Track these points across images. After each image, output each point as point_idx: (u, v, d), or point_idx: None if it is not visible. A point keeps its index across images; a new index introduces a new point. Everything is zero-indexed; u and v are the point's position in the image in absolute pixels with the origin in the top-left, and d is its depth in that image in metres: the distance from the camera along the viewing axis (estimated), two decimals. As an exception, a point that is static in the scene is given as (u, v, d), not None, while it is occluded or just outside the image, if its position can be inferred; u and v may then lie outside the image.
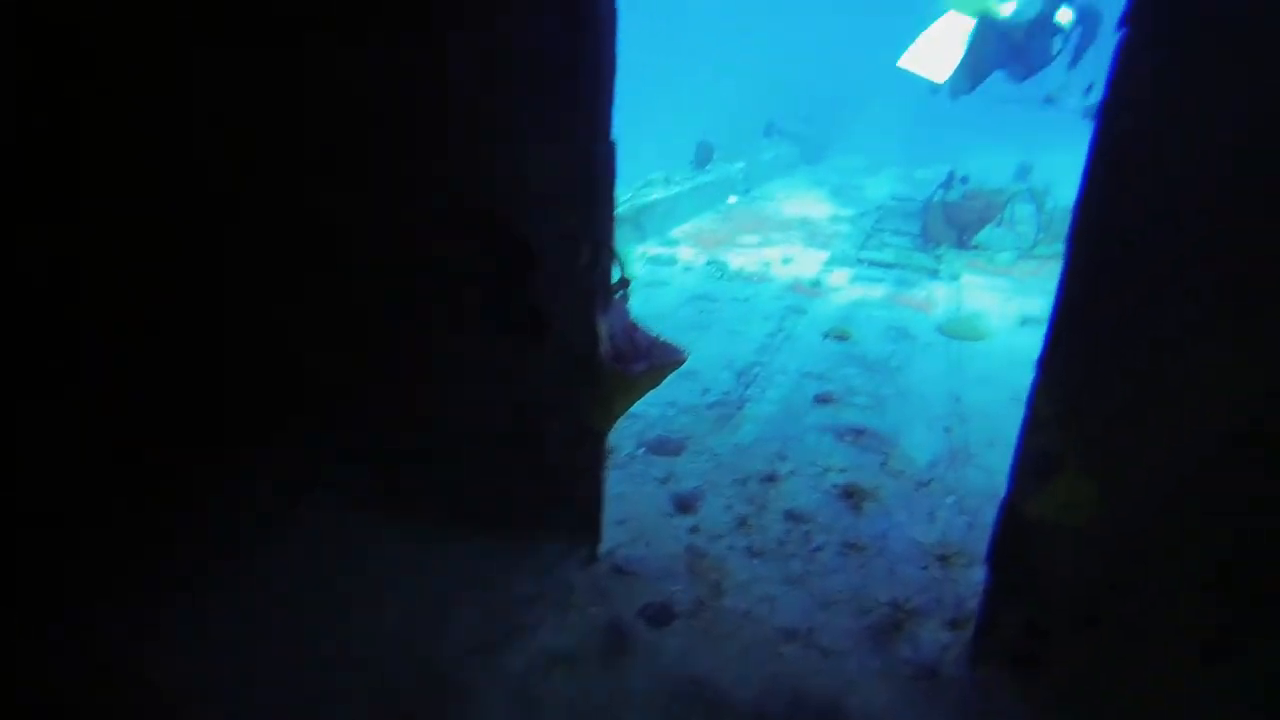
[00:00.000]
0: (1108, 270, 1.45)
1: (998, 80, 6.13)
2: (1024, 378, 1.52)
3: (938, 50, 5.67)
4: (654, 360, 2.00)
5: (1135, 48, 1.32)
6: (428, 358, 2.07)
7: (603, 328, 1.92)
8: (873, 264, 5.63)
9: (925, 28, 5.85)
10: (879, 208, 7.71)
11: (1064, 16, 5.76)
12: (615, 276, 2.00)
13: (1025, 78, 6.12)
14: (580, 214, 1.83)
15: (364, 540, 2.14)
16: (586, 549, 2.31)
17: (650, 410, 3.20)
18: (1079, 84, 6.13)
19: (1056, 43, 5.84)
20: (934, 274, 5.41)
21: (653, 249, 5.68)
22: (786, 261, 5.53)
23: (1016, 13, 5.56)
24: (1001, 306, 4.77)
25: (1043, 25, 5.74)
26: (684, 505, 2.61)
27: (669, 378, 3.55)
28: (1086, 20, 5.80)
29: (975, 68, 5.82)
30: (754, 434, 3.03)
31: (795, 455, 2.88)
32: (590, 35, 1.68)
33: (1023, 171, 10.40)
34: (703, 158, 7.36)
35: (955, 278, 5.29)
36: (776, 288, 4.88)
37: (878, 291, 4.93)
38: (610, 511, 2.34)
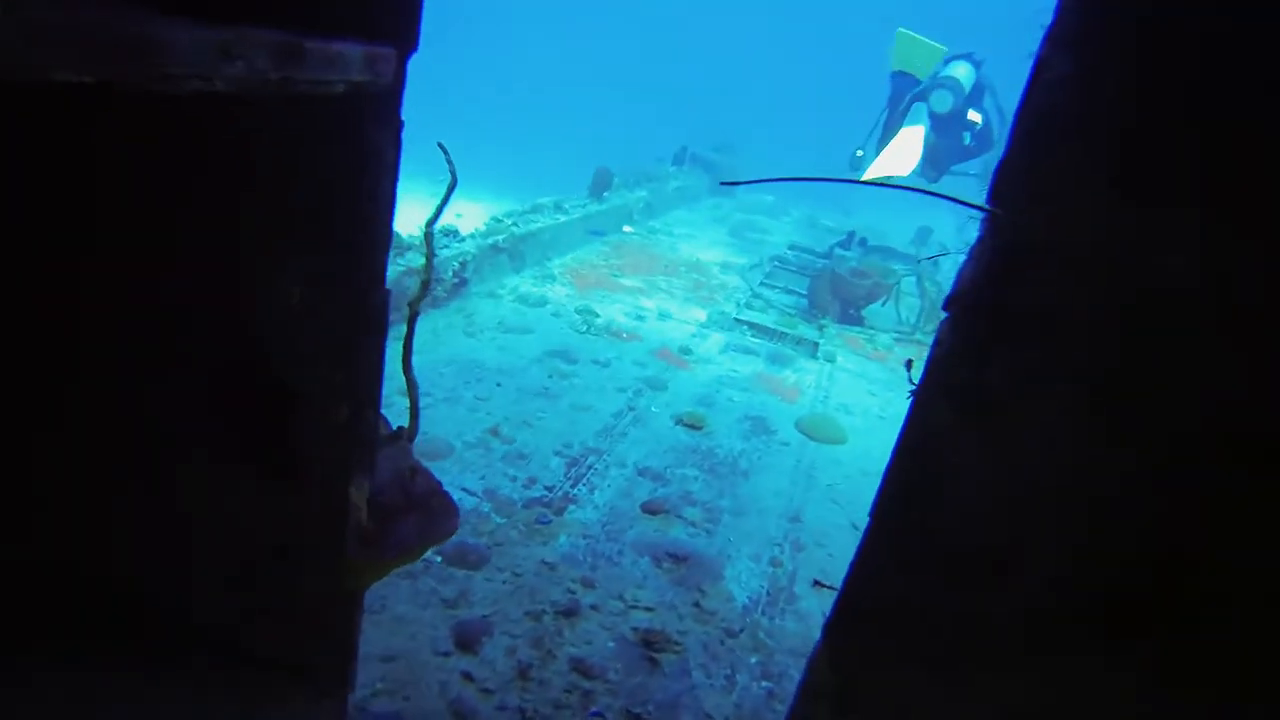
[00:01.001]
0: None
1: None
2: (869, 496, 1.32)
3: (901, 157, 6.11)
4: (416, 533, 1.66)
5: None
6: (173, 487, 1.67)
7: (357, 493, 1.57)
8: (751, 327, 5.44)
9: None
10: (773, 259, 7.58)
11: (974, 116, 6.27)
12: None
13: (936, 180, 6.58)
14: (343, 369, 1.48)
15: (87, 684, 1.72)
16: (334, 702, 1.95)
17: (465, 501, 2.85)
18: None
19: (966, 136, 6.26)
20: (812, 350, 5.26)
21: (526, 284, 5.31)
22: (662, 317, 5.27)
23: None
24: (867, 400, 4.65)
25: (956, 120, 6.17)
26: (465, 641, 2.27)
27: (497, 452, 3.25)
28: (982, 140, 6.35)
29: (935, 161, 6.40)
30: (566, 547, 2.72)
31: (604, 582, 2.58)
32: (368, 180, 1.33)
33: (922, 235, 10.58)
34: (599, 185, 7.02)
35: (831, 358, 5.15)
36: (643, 351, 4.59)
37: (747, 368, 4.72)
38: (379, 642, 2.03)
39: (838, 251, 8.11)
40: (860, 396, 4.69)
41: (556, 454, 3.30)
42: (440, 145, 2.40)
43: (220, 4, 0.87)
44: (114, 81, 0.73)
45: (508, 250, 5.33)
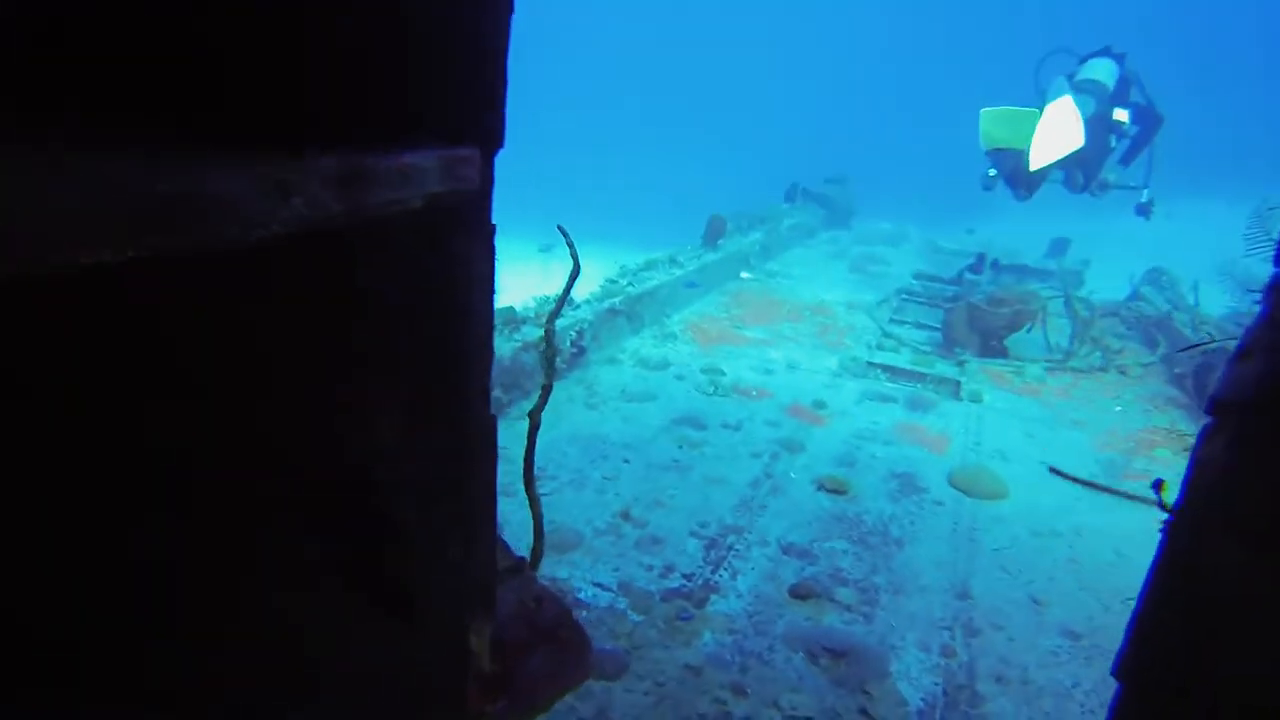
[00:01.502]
0: None
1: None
2: (1048, 562, 1.08)
3: (1061, 131, 5.44)
4: (546, 671, 1.54)
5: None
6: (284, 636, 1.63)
7: (477, 638, 1.47)
8: (885, 370, 5.12)
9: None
10: (899, 292, 7.20)
11: (1120, 115, 5.73)
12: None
13: (1084, 188, 6.10)
14: (450, 502, 1.40)
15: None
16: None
17: (599, 597, 2.74)
18: (1130, 179, 6.14)
19: (1111, 139, 5.78)
20: (954, 390, 4.88)
21: (647, 345, 5.23)
22: (791, 368, 5.04)
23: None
24: (1025, 444, 4.24)
25: (1100, 124, 5.65)
26: (613, 763, 2.13)
27: (630, 538, 3.12)
28: (1145, 120, 5.78)
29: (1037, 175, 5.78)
30: (712, 646, 2.54)
31: (756, 686, 2.38)
32: (459, 296, 1.25)
33: (1057, 248, 9.82)
34: (713, 234, 6.92)
35: (977, 398, 4.75)
36: (774, 409, 4.38)
37: (886, 418, 4.41)
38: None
39: (968, 277, 7.63)
40: (1016, 440, 4.28)
41: (693, 535, 3.14)
42: (560, 229, 2.34)
43: (273, 122, 0.79)
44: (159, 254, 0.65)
45: (625, 312, 5.29)
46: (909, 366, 5.20)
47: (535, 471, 3.62)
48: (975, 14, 32.19)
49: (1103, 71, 5.80)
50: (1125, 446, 4.31)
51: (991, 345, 5.56)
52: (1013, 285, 6.22)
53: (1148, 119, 5.95)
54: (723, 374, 4.78)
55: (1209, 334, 5.67)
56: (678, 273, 6.09)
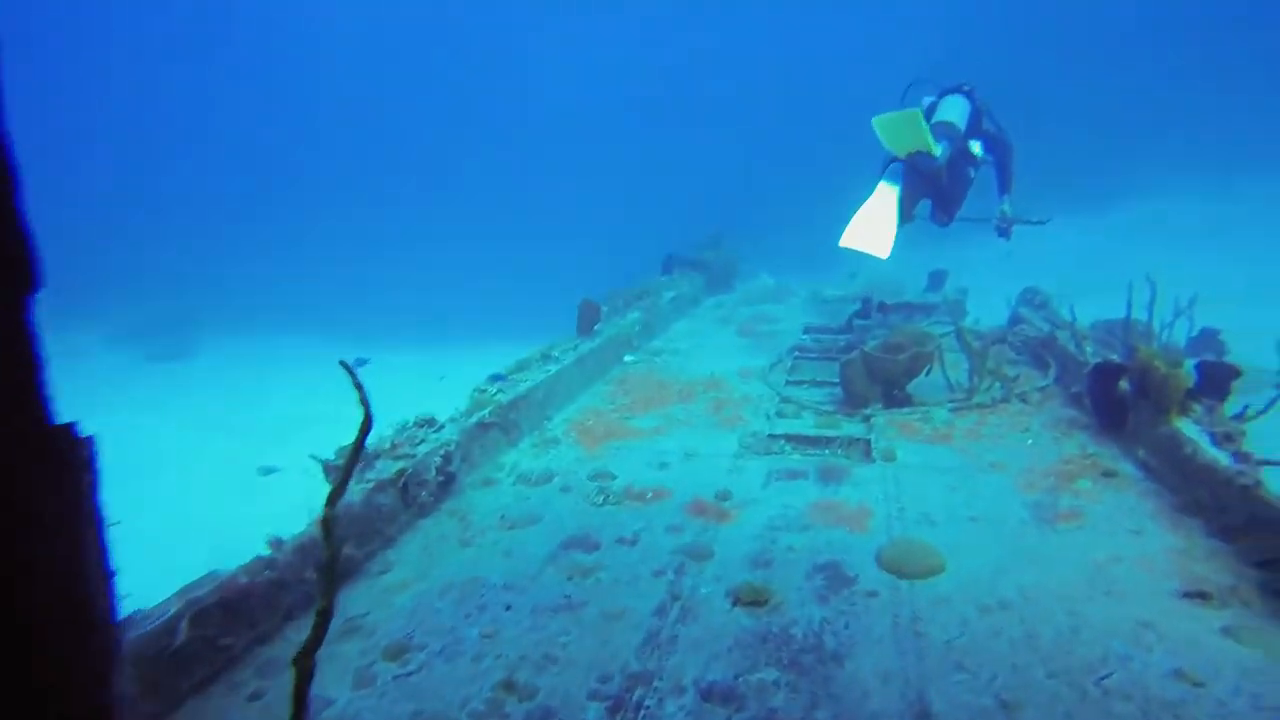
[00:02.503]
0: None
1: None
2: (1005, 646, 0.69)
3: (875, 226, 5.64)
4: None
5: None
6: None
7: None
8: (789, 440, 4.73)
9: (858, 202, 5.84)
10: (791, 350, 6.93)
11: (974, 148, 5.89)
12: None
13: (948, 223, 6.14)
14: None
15: None
16: None
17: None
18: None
19: (970, 172, 5.85)
20: (864, 452, 4.53)
21: (526, 457, 4.67)
22: (688, 457, 4.57)
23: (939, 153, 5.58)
24: (949, 500, 3.87)
25: (960, 158, 5.78)
26: None
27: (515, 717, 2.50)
28: (996, 149, 5.91)
29: (906, 204, 5.87)
30: None
31: None
32: None
33: (936, 281, 9.91)
34: (587, 321, 6.50)
35: (890, 456, 4.40)
36: (674, 509, 3.88)
37: (798, 498, 3.97)
38: None
39: (858, 323, 7.48)
40: (938, 497, 3.92)
41: (593, 697, 2.54)
42: (345, 366, 1.80)
43: None
44: None
45: (498, 424, 4.72)
46: (814, 432, 4.83)
47: (400, 639, 2.98)
48: (826, 57, 34.16)
49: (954, 111, 5.84)
50: (1046, 484, 4.01)
51: (894, 395, 5.28)
52: (903, 326, 6.03)
53: (999, 147, 6.04)
54: (613, 478, 4.26)
55: (1090, 350, 5.60)
56: (553, 369, 5.59)
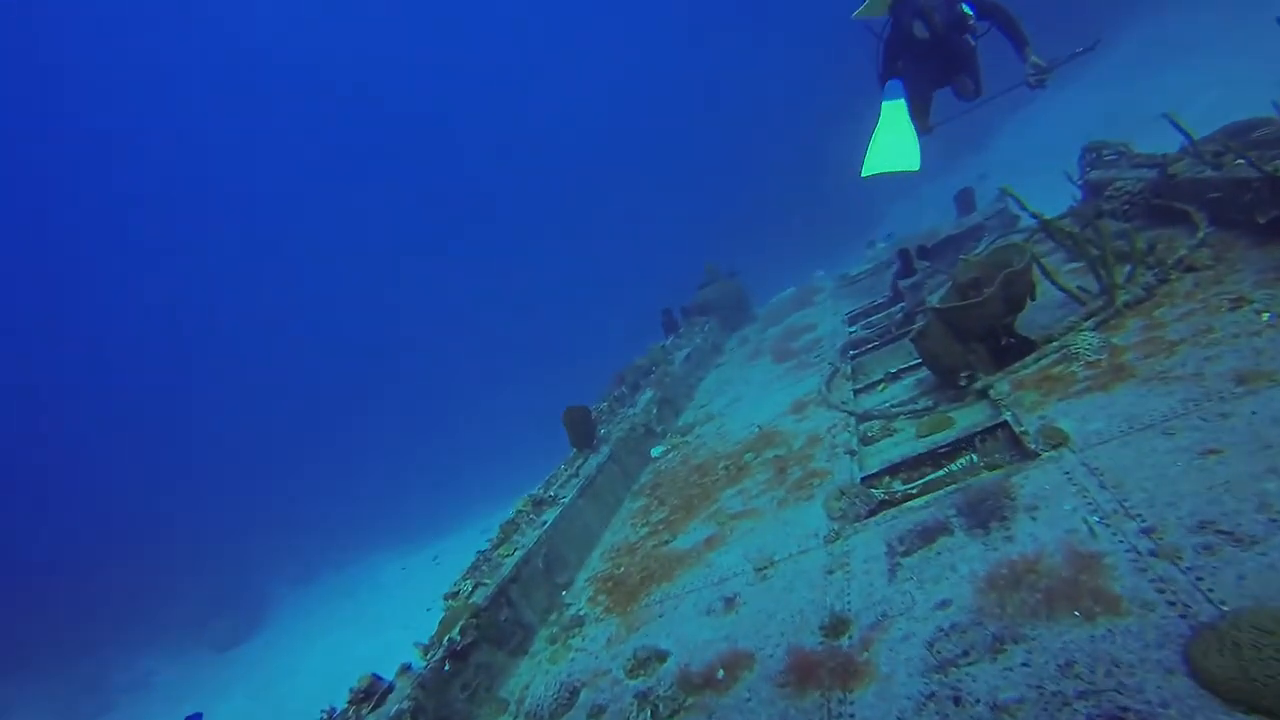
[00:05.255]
0: None
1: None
2: None
3: (894, 143, 4.98)
4: None
5: None
6: None
7: None
8: (896, 473, 3.07)
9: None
10: (846, 352, 5.27)
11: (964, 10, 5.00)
12: None
13: (975, 92, 5.22)
14: None
15: None
16: None
17: None
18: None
19: (969, 40, 5.02)
20: (1009, 445, 2.84)
21: (541, 668, 3.08)
22: (763, 574, 2.91)
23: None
24: (1212, 482, 2.14)
25: (955, 28, 4.95)
26: None
27: None
28: (991, 12, 4.94)
29: (920, 106, 5.25)
30: None
31: None
32: None
33: (965, 201, 8.16)
34: (581, 433, 4.95)
35: (1058, 438, 2.69)
36: (764, 686, 2.22)
37: (957, 574, 2.27)
38: None
39: (904, 285, 5.81)
40: (1190, 480, 2.18)
41: None
42: None
43: None
44: None
45: (486, 635, 3.16)
46: (925, 444, 3.16)
47: None
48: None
49: None
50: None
51: (1005, 345, 3.59)
52: (968, 257, 4.36)
53: (990, 9, 4.95)
54: (663, 659, 2.63)
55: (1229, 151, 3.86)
56: (550, 516, 4.04)
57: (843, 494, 3.05)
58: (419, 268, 38.13)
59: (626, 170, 35.21)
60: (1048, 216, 4.59)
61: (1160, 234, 4.12)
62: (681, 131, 33.84)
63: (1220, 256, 3.51)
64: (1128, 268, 3.63)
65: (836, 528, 2.91)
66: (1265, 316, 2.77)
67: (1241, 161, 3.85)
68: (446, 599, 3.38)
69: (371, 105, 40.11)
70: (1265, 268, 3.17)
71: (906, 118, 4.94)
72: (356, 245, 40.07)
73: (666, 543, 3.69)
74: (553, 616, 3.52)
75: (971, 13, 4.93)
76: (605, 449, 4.91)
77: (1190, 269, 3.50)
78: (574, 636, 3.20)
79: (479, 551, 3.95)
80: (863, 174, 4.97)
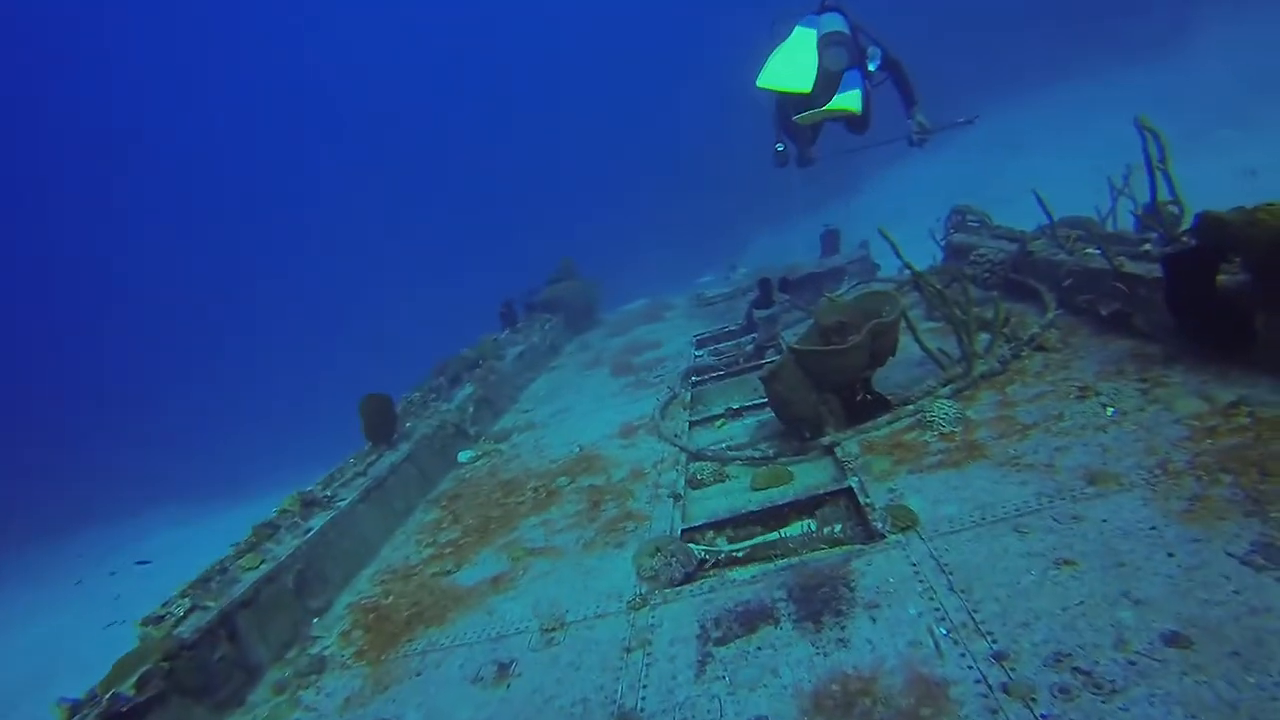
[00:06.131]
0: None
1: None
2: None
3: (793, 60, 4.80)
4: None
5: None
6: None
7: None
8: (722, 530, 2.68)
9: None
10: (687, 377, 4.90)
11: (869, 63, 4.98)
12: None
13: (863, 130, 5.13)
14: None
15: None
16: None
17: None
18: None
19: (866, 86, 4.89)
20: (853, 515, 2.51)
21: (265, 707, 2.41)
22: (550, 638, 2.40)
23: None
24: (1071, 594, 1.87)
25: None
26: None
27: None
28: (893, 66, 4.95)
29: (808, 137, 5.25)
30: None
31: None
32: None
33: (829, 242, 8.17)
34: (378, 427, 4.26)
35: (906, 520, 2.38)
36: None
37: (780, 683, 1.87)
38: None
39: (759, 316, 5.55)
40: (1044, 592, 1.91)
41: None
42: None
43: None
44: None
45: (182, 684, 2.44)
46: (758, 502, 2.80)
47: None
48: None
49: (837, 24, 4.83)
50: (1222, 490, 2.09)
51: (860, 400, 3.31)
52: (834, 297, 4.08)
53: (888, 61, 4.95)
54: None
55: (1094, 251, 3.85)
56: (318, 523, 3.34)
57: (658, 550, 2.61)
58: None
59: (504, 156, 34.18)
60: (884, 275, 4.43)
61: (1013, 308, 4.04)
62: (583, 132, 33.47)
63: (1066, 341, 3.43)
64: (985, 337, 3.47)
65: (644, 591, 2.46)
66: (1109, 411, 2.64)
67: (1094, 251, 3.84)
68: (144, 624, 2.62)
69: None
70: (1105, 359, 3.10)
71: (814, 47, 4.80)
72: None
73: (449, 573, 3.11)
74: (292, 653, 2.84)
75: (874, 67, 4.89)
76: (405, 447, 4.25)
77: (1041, 349, 3.39)
78: (306, 688, 2.55)
79: (219, 559, 3.19)
80: (758, 84, 4.86)
